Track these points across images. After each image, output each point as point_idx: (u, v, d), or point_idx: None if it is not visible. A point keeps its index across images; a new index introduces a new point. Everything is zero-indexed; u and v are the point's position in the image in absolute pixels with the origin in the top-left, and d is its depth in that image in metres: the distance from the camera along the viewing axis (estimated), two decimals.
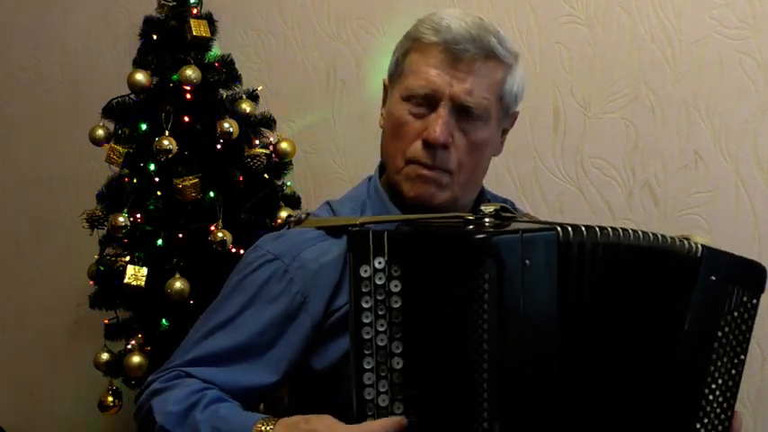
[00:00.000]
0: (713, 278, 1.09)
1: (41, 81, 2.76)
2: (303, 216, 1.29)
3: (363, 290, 1.02)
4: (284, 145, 2.12)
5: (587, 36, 1.94)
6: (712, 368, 1.08)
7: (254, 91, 2.17)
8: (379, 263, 1.02)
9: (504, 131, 1.35)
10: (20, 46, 2.80)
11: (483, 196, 1.38)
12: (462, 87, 1.21)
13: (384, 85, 1.34)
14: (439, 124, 1.21)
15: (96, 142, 2.12)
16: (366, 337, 1.03)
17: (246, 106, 2.10)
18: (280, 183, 2.15)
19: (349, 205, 1.31)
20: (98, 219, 2.08)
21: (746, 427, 1.83)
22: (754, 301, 1.12)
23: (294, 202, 2.17)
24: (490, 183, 1.98)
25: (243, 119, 2.09)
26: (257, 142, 2.12)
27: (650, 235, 1.09)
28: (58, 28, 2.71)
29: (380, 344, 1.03)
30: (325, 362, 1.21)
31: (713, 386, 1.08)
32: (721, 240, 1.84)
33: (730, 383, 1.09)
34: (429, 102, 1.23)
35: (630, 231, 1.08)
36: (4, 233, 2.85)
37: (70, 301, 2.58)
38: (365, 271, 1.02)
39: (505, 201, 1.46)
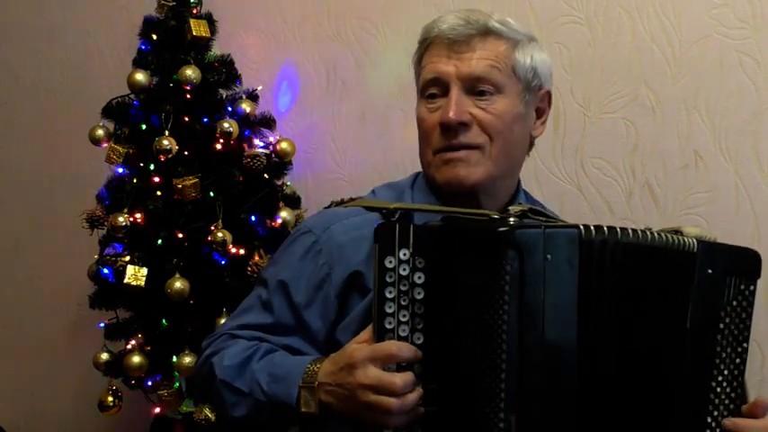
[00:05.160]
0: (710, 271, 1.11)
1: (41, 81, 2.76)
2: (347, 199, 1.34)
3: (388, 280, 1.05)
4: (284, 145, 2.12)
5: (587, 36, 1.94)
6: (717, 360, 1.10)
7: (254, 91, 2.17)
8: (404, 254, 1.05)
9: (540, 112, 1.37)
10: (20, 46, 2.80)
11: (518, 191, 1.39)
12: (466, 64, 1.26)
13: None
14: (451, 105, 1.24)
15: (96, 142, 2.12)
16: (388, 327, 1.05)
17: (246, 106, 2.10)
18: (280, 183, 2.15)
19: (389, 191, 1.36)
20: (98, 219, 2.08)
21: None
22: (752, 287, 1.13)
23: (294, 202, 2.17)
24: None
25: (243, 119, 2.09)
26: (257, 142, 2.12)
27: (648, 233, 1.11)
28: (58, 28, 2.71)
29: (402, 334, 1.05)
30: (349, 335, 1.22)
31: (720, 378, 1.10)
32: (721, 240, 1.85)
33: (736, 373, 1.11)
34: (440, 89, 1.28)
35: (639, 231, 1.10)
36: (4, 233, 2.85)
37: (70, 301, 2.58)
38: (390, 262, 1.05)
39: (535, 202, 1.46)
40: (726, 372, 1.10)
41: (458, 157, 1.25)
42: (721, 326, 1.10)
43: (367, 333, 1.08)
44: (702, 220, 1.82)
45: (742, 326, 1.11)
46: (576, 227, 1.06)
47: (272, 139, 2.15)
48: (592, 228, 1.06)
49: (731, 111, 1.80)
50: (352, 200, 1.32)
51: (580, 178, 1.95)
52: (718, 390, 1.09)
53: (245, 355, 1.20)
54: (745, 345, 1.11)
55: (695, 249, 1.11)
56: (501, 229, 1.04)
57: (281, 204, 2.11)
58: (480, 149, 1.26)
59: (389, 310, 1.05)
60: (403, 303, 1.05)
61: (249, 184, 2.08)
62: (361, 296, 1.23)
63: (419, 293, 1.05)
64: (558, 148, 1.97)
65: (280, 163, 2.14)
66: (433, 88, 1.29)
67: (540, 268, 1.01)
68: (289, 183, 2.19)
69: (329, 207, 1.34)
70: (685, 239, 1.12)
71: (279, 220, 2.06)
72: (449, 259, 1.04)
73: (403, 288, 1.05)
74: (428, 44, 1.31)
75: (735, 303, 1.11)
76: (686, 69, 1.84)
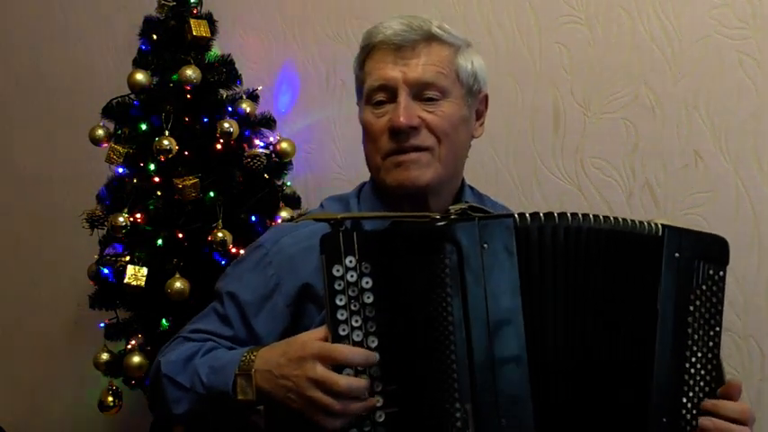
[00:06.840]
0: (677, 255, 1.13)
1: (41, 81, 2.76)
2: (296, 216, 1.35)
3: (337, 288, 1.06)
4: (284, 145, 2.13)
5: (587, 36, 1.94)
6: (690, 342, 1.12)
7: (254, 91, 2.17)
8: (351, 261, 1.07)
9: (479, 114, 1.39)
10: (20, 46, 2.80)
11: (464, 189, 1.41)
12: (414, 70, 1.28)
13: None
14: (400, 110, 1.26)
15: (96, 142, 2.12)
16: (342, 333, 1.06)
17: (246, 106, 2.10)
18: (280, 183, 2.16)
19: (336, 203, 1.39)
20: (98, 219, 2.09)
21: None
22: (721, 273, 1.15)
23: (294, 202, 2.17)
24: (490, 183, 1.99)
25: (243, 119, 2.09)
26: (257, 142, 2.12)
27: (611, 219, 1.14)
28: (58, 28, 2.71)
29: (357, 339, 1.06)
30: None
31: (693, 359, 1.12)
32: None
33: (710, 355, 1.13)
34: (388, 95, 1.29)
35: (591, 216, 1.13)
36: (4, 233, 2.85)
37: (70, 301, 2.59)
38: (337, 270, 1.06)
39: (483, 197, 1.48)
40: (699, 354, 1.12)
41: (409, 159, 1.28)
42: (692, 308, 1.12)
43: (321, 331, 1.09)
44: (702, 220, 1.82)
45: (713, 310, 1.13)
46: (511, 215, 1.10)
47: (272, 139, 2.15)
48: (527, 215, 1.10)
49: (731, 111, 1.80)
50: (301, 216, 1.36)
51: (580, 178, 1.95)
52: (693, 371, 1.12)
53: (190, 352, 1.23)
54: (717, 329, 1.13)
55: (660, 233, 1.14)
56: (437, 224, 1.08)
57: (282, 204, 2.11)
58: (430, 151, 1.28)
59: (342, 318, 1.06)
60: (354, 309, 1.06)
61: (249, 184, 2.09)
62: (317, 307, 1.26)
63: (369, 298, 1.07)
64: (558, 148, 1.97)
65: (280, 163, 2.14)
66: (380, 95, 1.30)
67: (477, 258, 1.05)
68: (289, 183, 2.19)
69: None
70: (648, 224, 1.15)
71: (279, 220, 2.07)
72: (393, 261, 1.07)
73: (352, 294, 1.06)
74: (371, 49, 1.32)
75: (704, 288, 1.13)
76: (686, 69, 1.84)
